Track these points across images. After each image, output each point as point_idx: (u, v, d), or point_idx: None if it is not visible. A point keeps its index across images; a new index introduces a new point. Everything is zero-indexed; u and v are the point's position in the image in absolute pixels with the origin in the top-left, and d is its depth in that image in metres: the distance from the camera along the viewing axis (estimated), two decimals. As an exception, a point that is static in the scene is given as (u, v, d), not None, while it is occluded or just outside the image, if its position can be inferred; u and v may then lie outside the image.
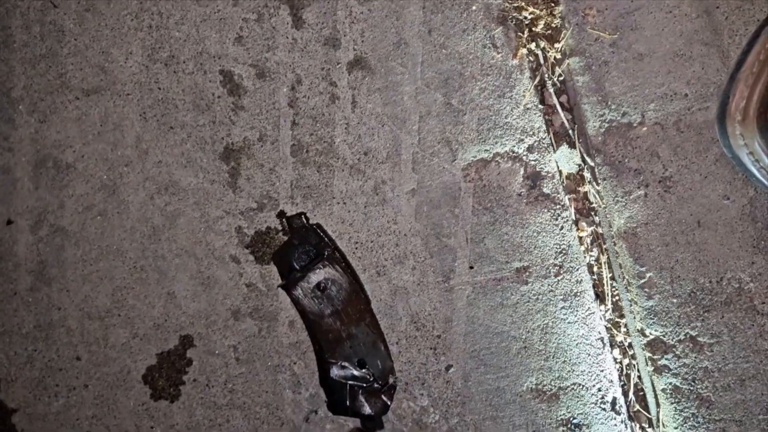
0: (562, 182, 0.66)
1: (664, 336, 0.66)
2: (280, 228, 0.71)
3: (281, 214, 0.69)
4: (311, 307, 0.69)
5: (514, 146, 0.65)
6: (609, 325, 0.69)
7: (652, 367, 0.67)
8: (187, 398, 0.75)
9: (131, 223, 0.73)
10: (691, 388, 0.67)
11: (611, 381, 0.68)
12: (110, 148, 0.72)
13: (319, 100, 0.69)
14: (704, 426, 0.67)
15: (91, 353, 0.77)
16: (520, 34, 0.64)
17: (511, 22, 0.64)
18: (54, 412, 0.76)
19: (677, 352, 0.66)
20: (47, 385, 0.76)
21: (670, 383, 0.67)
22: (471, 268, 0.68)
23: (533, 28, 0.64)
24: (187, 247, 0.73)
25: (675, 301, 0.65)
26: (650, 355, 0.67)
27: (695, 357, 0.66)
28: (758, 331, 0.65)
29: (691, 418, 0.67)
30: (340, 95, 0.69)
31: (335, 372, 0.68)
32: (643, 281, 0.66)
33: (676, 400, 0.67)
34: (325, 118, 0.69)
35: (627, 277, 0.66)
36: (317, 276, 0.68)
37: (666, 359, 0.67)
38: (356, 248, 0.69)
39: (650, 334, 0.67)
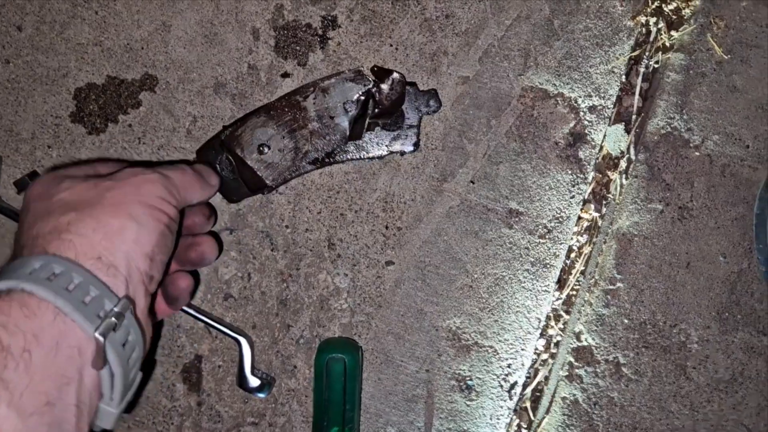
0: (597, 158, 0.64)
1: (596, 348, 0.65)
2: (320, 33, 0.64)
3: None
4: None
5: (579, 97, 0.63)
6: (551, 314, 0.66)
7: (567, 373, 0.65)
8: (108, 139, 0.65)
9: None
10: (589, 410, 0.65)
11: (523, 365, 0.65)
12: None
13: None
14: (578, 451, 0.65)
15: (37, 32, 0.65)
16: (649, 1, 0.63)
17: (648, -13, 0.63)
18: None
19: (598, 370, 0.65)
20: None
21: (574, 395, 0.65)
22: (472, 182, 0.64)
23: (663, 5, 0.63)
24: (220, -14, 0.64)
25: (626, 322, 0.64)
26: (573, 360, 0.65)
27: (610, 383, 0.65)
28: (674, 391, 0.64)
29: (572, 438, 0.65)
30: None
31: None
32: (611, 288, 0.64)
33: (569, 414, 0.65)
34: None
35: (597, 277, 0.65)
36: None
37: (584, 371, 0.65)
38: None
39: (585, 340, 0.65)
